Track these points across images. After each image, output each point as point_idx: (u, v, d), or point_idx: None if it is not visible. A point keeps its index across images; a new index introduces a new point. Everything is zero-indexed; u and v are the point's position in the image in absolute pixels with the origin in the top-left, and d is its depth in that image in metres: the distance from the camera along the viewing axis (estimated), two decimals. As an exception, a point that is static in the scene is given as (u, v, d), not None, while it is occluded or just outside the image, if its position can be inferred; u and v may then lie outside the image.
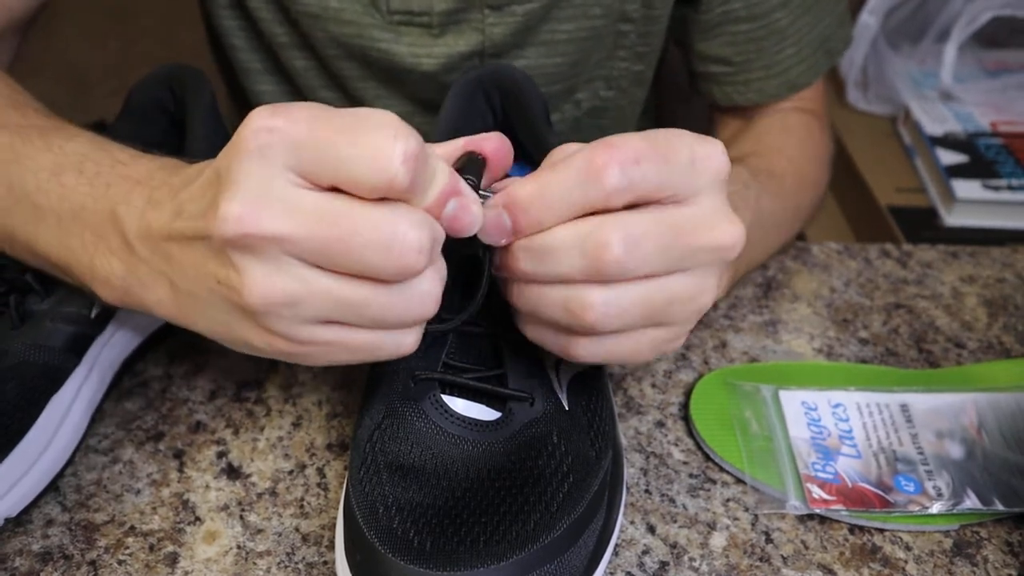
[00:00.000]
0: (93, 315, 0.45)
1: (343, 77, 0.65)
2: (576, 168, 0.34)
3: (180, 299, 0.37)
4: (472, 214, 0.34)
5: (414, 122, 0.66)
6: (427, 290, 0.34)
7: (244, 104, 0.72)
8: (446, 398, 0.39)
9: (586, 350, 0.36)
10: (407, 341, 0.36)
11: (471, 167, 0.36)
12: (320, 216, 0.31)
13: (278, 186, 0.31)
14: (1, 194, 0.42)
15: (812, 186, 0.62)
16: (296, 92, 0.68)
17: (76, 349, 0.45)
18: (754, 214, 0.50)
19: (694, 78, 0.67)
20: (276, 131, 0.31)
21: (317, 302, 0.33)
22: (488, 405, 0.39)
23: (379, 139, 0.31)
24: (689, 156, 0.34)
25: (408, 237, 0.31)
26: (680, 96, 0.86)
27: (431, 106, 0.66)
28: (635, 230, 0.33)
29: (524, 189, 0.35)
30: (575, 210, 0.34)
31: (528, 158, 0.48)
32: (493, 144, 0.38)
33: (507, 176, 0.44)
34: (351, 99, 0.67)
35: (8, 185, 0.41)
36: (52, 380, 0.43)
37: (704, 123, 0.75)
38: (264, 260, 0.32)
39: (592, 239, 0.33)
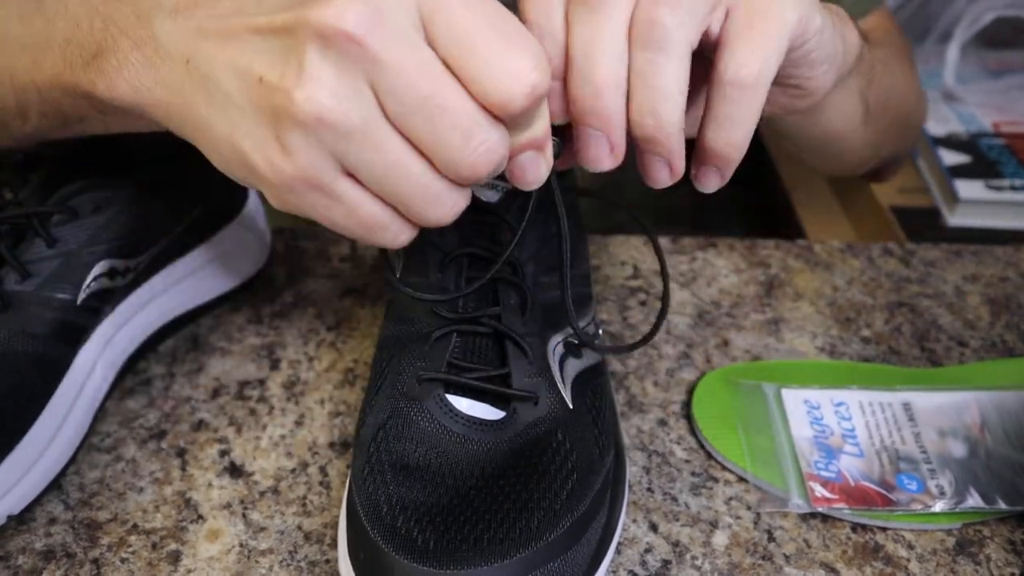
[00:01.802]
0: (79, 301, 0.45)
1: None
2: None
3: (198, 94, 0.33)
4: (538, 175, 0.34)
5: None
6: (456, 202, 0.33)
7: None
8: (450, 397, 0.39)
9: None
10: (402, 238, 0.34)
11: (559, 130, 0.35)
12: (429, 73, 0.30)
13: (403, 16, 0.29)
14: None
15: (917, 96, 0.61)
16: None
17: (66, 338, 0.44)
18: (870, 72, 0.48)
19: None
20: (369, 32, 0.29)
21: (366, 145, 0.31)
22: (492, 404, 0.39)
23: (522, 61, 0.30)
24: None
25: (491, 146, 0.31)
26: None
27: None
28: None
29: None
30: None
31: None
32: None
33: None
34: None
35: None
36: (44, 371, 0.43)
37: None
38: (344, 74, 0.30)
39: None
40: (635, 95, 0.34)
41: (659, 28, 0.33)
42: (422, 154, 0.31)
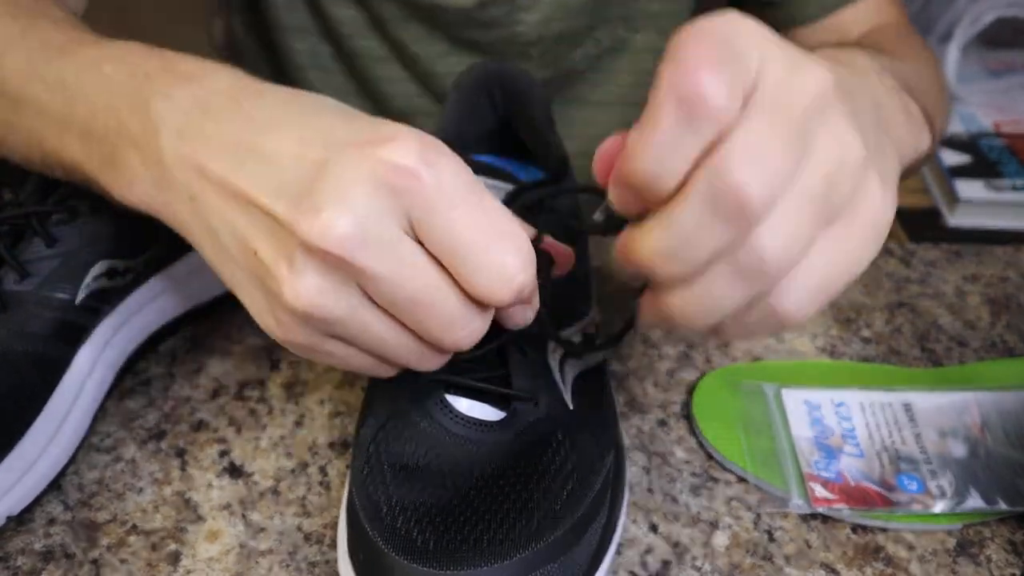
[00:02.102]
0: (78, 301, 0.45)
1: (384, 21, 0.67)
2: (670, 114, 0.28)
3: (203, 234, 0.34)
4: (525, 319, 0.36)
5: (449, 62, 0.68)
6: (442, 360, 0.36)
7: (279, 65, 0.74)
8: (450, 398, 0.39)
9: (794, 303, 0.30)
10: (391, 373, 0.37)
11: (541, 263, 0.35)
12: (415, 276, 0.31)
13: (389, 226, 0.30)
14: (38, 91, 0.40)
15: (941, 95, 0.59)
16: (335, 45, 0.70)
17: (65, 338, 0.44)
18: (888, 90, 0.45)
19: (743, 6, 0.68)
20: (420, 182, 0.30)
21: (352, 327, 0.32)
22: (492, 405, 0.39)
23: (509, 263, 0.31)
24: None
25: (472, 331, 0.33)
26: None
27: (468, 45, 0.68)
28: (756, 147, 0.27)
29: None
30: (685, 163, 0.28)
31: (529, 158, 0.48)
32: (566, 255, 0.39)
33: (509, 175, 0.44)
34: (392, 44, 0.68)
35: (44, 79, 0.39)
36: (43, 371, 0.43)
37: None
38: (327, 278, 0.31)
39: (719, 191, 0.27)
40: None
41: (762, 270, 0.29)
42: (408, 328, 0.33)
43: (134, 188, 0.36)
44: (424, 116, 0.72)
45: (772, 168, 0.27)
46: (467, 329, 0.33)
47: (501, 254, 0.31)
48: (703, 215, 0.28)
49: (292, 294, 0.31)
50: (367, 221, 0.29)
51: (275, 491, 0.44)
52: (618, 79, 0.72)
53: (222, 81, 0.35)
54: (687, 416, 0.48)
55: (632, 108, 0.74)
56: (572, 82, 0.71)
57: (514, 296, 0.32)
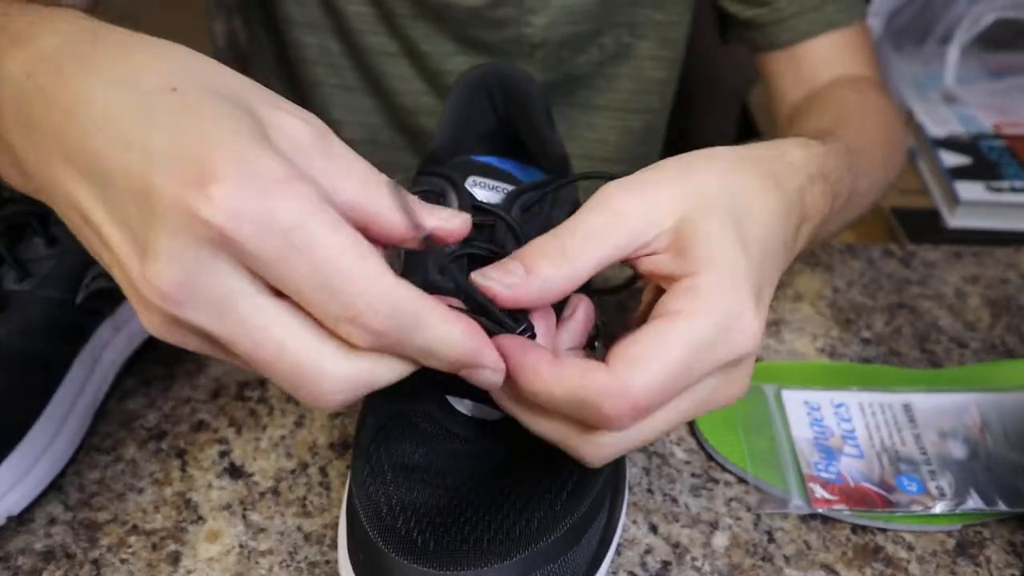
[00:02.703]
0: (78, 301, 0.45)
1: (394, 17, 0.67)
2: (581, 402, 0.31)
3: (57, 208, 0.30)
4: (493, 384, 0.32)
5: (456, 61, 0.69)
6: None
7: (287, 59, 0.74)
8: (450, 398, 0.39)
9: (605, 450, 0.33)
10: None
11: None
12: (251, 330, 0.27)
13: (220, 282, 0.27)
14: None
15: (896, 162, 0.60)
16: (345, 41, 0.71)
17: (65, 338, 0.44)
18: (848, 194, 0.46)
19: (728, 28, 0.69)
20: (234, 240, 0.26)
21: (197, 345, 0.29)
22: (492, 405, 0.39)
23: (358, 303, 0.27)
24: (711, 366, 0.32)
25: (335, 387, 0.28)
26: (705, 90, 0.86)
27: (475, 45, 0.68)
28: (641, 400, 0.31)
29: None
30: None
31: (529, 158, 0.48)
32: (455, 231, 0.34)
33: (509, 175, 0.44)
34: (401, 41, 0.69)
35: None
36: (43, 371, 0.43)
37: (723, 117, 0.77)
38: (171, 320, 0.28)
39: (593, 413, 0.31)
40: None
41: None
42: None
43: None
44: (428, 115, 0.72)
45: (652, 409, 0.32)
46: (328, 384, 0.28)
47: (349, 296, 0.27)
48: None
49: (145, 321, 0.28)
50: (195, 279, 0.26)
51: (275, 491, 0.44)
52: (619, 85, 0.73)
53: (51, 42, 0.30)
54: (687, 417, 0.48)
55: (632, 114, 0.74)
56: (575, 87, 0.72)
57: (377, 342, 0.28)
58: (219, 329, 0.27)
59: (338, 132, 0.31)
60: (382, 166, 0.31)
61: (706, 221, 0.33)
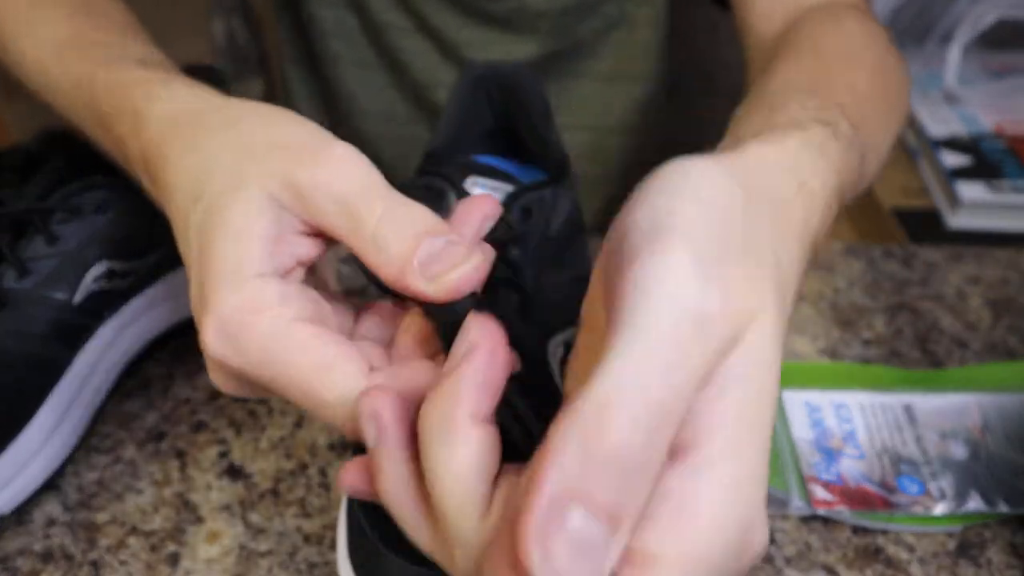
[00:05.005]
0: (76, 302, 0.45)
1: None
2: None
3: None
4: None
5: (465, 34, 0.70)
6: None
7: (304, 32, 0.74)
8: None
9: None
10: None
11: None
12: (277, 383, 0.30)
13: (239, 382, 0.31)
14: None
15: (899, 108, 0.51)
16: (359, 15, 0.71)
17: (64, 339, 0.44)
18: (859, 166, 0.39)
19: None
20: (224, 362, 0.30)
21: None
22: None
23: (331, 401, 0.29)
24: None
25: (331, 415, 0.30)
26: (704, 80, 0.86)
27: (482, 16, 0.69)
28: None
29: None
30: None
31: (529, 158, 0.48)
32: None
33: (509, 175, 0.44)
34: (413, 16, 0.70)
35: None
36: (40, 371, 0.43)
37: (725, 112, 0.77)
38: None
39: None
40: None
41: None
42: None
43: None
44: (444, 89, 0.73)
45: None
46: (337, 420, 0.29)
47: (324, 411, 0.29)
48: None
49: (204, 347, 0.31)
50: (228, 372, 0.30)
51: (275, 492, 0.44)
52: (620, 53, 0.73)
53: (156, 128, 0.36)
54: (687, 417, 0.48)
55: (633, 82, 0.75)
56: (578, 56, 0.73)
57: (370, 426, 0.27)
58: (257, 394, 0.32)
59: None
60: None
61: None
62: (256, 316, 0.29)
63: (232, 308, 0.29)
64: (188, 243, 0.32)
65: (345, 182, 0.30)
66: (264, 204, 0.30)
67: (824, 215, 0.33)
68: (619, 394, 0.21)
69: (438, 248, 0.29)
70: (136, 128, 0.36)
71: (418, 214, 0.30)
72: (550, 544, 0.21)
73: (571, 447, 0.21)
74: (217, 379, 0.31)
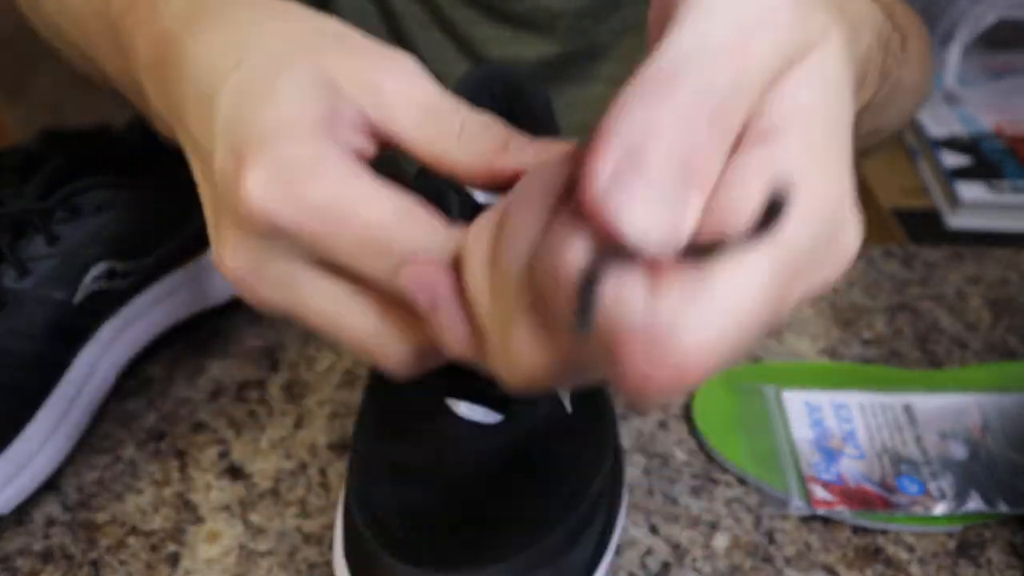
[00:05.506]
0: (76, 302, 0.45)
1: None
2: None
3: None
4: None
5: (482, 29, 0.69)
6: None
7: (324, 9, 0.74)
8: (448, 400, 0.39)
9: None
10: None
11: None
12: (316, 306, 0.28)
13: (277, 261, 0.27)
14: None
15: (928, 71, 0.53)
16: (378, 3, 0.71)
17: (64, 339, 0.44)
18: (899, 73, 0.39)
19: None
20: (275, 224, 0.26)
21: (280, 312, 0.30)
22: (490, 407, 0.39)
23: (398, 261, 0.26)
24: None
25: (403, 369, 0.28)
26: None
27: (498, 14, 0.68)
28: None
29: None
30: None
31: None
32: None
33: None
34: (429, 9, 0.69)
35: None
36: (40, 371, 0.43)
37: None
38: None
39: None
40: None
41: None
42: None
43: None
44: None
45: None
46: (395, 358, 0.28)
47: (400, 251, 0.26)
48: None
49: (223, 264, 0.28)
50: (259, 266, 0.27)
51: (275, 492, 0.44)
52: (635, 56, 0.73)
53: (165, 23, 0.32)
54: (687, 417, 0.48)
55: None
56: (593, 58, 0.72)
57: (431, 303, 0.26)
58: (290, 309, 0.28)
59: None
60: None
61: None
62: (321, 165, 0.26)
63: (292, 155, 0.26)
64: (212, 111, 0.28)
65: (423, 92, 0.29)
66: (321, 86, 0.27)
67: (870, 48, 0.33)
68: (687, 61, 0.21)
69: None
70: (153, 10, 0.33)
71: (492, 121, 0.29)
72: (625, 191, 0.19)
73: (639, 102, 0.21)
74: (242, 263, 0.27)
